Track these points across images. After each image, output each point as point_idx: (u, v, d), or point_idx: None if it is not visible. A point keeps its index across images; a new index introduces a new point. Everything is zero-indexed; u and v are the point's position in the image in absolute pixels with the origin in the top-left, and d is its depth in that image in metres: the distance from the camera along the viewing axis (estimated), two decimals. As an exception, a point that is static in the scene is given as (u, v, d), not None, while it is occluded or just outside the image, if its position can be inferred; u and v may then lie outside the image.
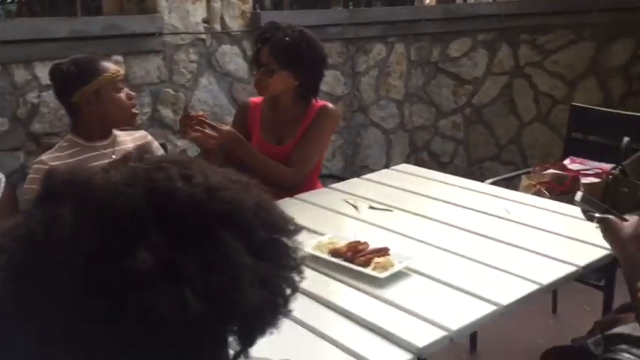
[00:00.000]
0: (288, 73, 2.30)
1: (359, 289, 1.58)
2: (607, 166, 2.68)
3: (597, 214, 1.50)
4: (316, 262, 1.69)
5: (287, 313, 0.71)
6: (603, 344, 1.57)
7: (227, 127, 2.26)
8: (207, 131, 2.14)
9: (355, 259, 1.65)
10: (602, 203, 1.59)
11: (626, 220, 1.49)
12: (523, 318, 2.28)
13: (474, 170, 4.20)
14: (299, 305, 0.75)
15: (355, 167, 3.77)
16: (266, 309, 0.67)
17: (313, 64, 2.33)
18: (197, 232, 0.63)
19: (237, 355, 0.70)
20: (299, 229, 0.74)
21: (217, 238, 0.64)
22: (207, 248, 0.63)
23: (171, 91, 3.11)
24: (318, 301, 1.53)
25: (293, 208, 2.12)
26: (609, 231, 1.50)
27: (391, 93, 3.83)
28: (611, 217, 1.50)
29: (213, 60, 3.21)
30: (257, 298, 0.65)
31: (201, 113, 2.21)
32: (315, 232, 1.88)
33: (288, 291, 0.71)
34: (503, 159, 4.18)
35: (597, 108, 3.04)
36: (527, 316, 2.53)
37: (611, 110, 3.01)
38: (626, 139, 2.58)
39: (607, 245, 1.72)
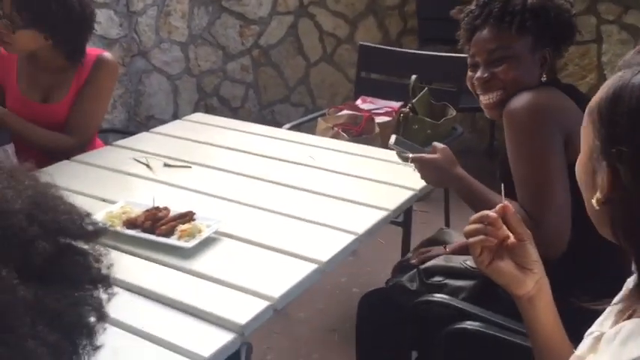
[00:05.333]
0: (35, 32, 1.90)
1: (164, 264, 1.38)
2: (396, 104, 2.74)
3: (410, 154, 1.51)
4: (108, 238, 1.42)
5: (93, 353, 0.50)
6: (418, 279, 1.57)
7: None
8: None
9: (156, 229, 1.45)
10: (413, 143, 1.58)
11: (434, 153, 1.51)
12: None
13: (265, 114, 4.13)
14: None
15: (140, 118, 3.48)
16: None
17: (69, 24, 1.93)
18: None
19: None
20: (100, 229, 0.55)
21: None
22: None
23: None
24: (115, 284, 1.28)
25: (70, 172, 1.81)
26: (425, 166, 1.51)
27: (174, 35, 3.55)
28: (422, 155, 1.51)
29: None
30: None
31: None
32: (103, 200, 1.63)
33: (93, 319, 0.50)
34: (293, 101, 4.15)
35: (384, 47, 3.09)
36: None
37: (398, 49, 3.08)
38: (413, 76, 2.63)
39: (410, 185, 1.74)
